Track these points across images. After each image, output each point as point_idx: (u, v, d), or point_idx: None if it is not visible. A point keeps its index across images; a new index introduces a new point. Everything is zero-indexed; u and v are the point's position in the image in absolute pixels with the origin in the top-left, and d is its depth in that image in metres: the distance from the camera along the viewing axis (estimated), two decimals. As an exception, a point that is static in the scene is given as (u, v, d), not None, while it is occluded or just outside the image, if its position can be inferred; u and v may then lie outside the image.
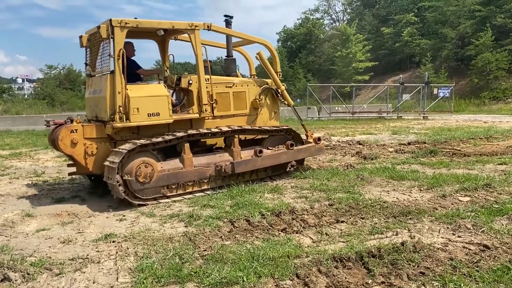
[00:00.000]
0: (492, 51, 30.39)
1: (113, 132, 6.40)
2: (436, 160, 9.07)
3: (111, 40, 6.24)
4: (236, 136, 7.17)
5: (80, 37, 6.80)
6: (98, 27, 6.27)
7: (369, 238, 4.52)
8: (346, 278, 3.57)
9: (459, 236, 4.47)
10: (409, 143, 11.73)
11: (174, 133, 6.60)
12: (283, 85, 8.19)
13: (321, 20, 56.07)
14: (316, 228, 4.92)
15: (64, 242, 4.77)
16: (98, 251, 4.45)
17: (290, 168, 8.01)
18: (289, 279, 3.60)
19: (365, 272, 3.70)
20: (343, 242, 4.45)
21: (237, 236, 4.75)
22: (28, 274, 3.82)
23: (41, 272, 3.90)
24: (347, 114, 23.55)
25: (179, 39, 8.06)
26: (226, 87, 7.54)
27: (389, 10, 46.04)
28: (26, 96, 44.36)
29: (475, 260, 3.80)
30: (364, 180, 7.23)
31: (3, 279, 3.72)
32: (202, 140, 7.25)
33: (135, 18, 6.48)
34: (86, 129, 6.42)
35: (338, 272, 3.65)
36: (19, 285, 3.68)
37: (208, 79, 7.14)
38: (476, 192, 6.23)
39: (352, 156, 10.08)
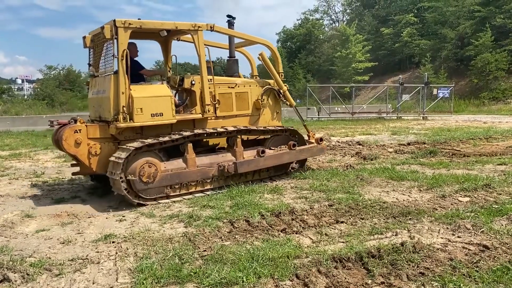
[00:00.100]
0: (492, 52, 30.41)
1: (116, 132, 6.43)
2: (435, 161, 9.08)
3: (115, 40, 6.27)
4: (239, 136, 7.20)
5: (84, 37, 6.84)
6: (102, 28, 6.29)
7: (369, 239, 4.52)
8: (345, 278, 3.57)
9: (458, 237, 4.47)
10: (408, 144, 11.73)
11: (181, 132, 6.66)
12: (285, 85, 8.23)
13: (321, 21, 56.20)
14: (315, 229, 4.92)
15: (63, 243, 4.77)
16: (97, 252, 4.45)
17: (291, 170, 8.03)
18: (289, 279, 3.60)
19: (364, 273, 3.70)
20: (343, 242, 4.45)
21: (236, 236, 4.75)
22: (27, 274, 3.81)
23: (40, 272, 3.90)
24: (346, 114, 23.56)
25: (181, 40, 8.09)
26: (229, 87, 7.58)
27: (389, 10, 46.06)
28: (25, 97, 44.37)
29: (474, 261, 3.80)
30: (364, 180, 7.23)
31: (3, 279, 3.72)
32: (204, 140, 7.28)
33: (138, 19, 6.52)
34: (89, 129, 6.45)
35: (338, 273, 3.65)
36: (18, 285, 3.68)
37: (211, 79, 7.16)
38: (476, 192, 6.23)
39: (351, 157, 10.08)
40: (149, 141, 6.32)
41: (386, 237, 4.54)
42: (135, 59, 7.06)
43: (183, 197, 6.60)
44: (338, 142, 12.68)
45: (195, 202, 6.28)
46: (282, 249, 4.18)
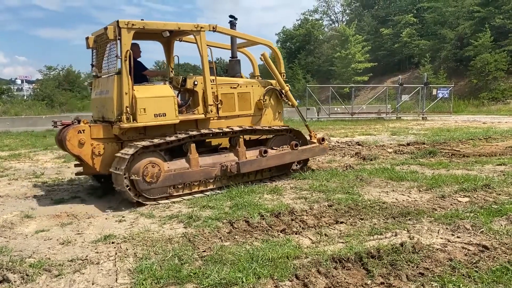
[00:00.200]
0: (491, 52, 30.45)
1: (120, 133, 6.46)
2: (435, 161, 9.08)
3: (118, 41, 6.29)
4: (241, 136, 7.24)
5: (87, 38, 6.88)
6: (105, 29, 6.31)
7: (368, 239, 4.52)
8: (345, 279, 3.57)
9: (458, 237, 4.47)
10: (408, 144, 11.73)
11: (187, 132, 6.70)
12: (287, 86, 8.26)
13: (320, 21, 56.15)
14: (315, 229, 4.93)
15: (63, 243, 4.77)
16: (97, 252, 4.45)
17: (293, 170, 8.07)
18: (289, 280, 3.60)
19: (364, 273, 3.70)
20: (342, 243, 4.46)
21: (236, 237, 4.75)
22: (27, 275, 3.81)
23: (40, 273, 3.90)
24: (346, 115, 23.57)
25: (184, 41, 8.12)
26: (231, 88, 7.61)
27: (388, 11, 46.10)
28: (25, 97, 44.29)
29: (474, 261, 3.80)
30: (363, 181, 7.23)
31: (2, 280, 3.72)
32: (207, 140, 7.31)
33: (141, 19, 6.55)
34: (93, 130, 6.48)
35: (337, 273, 3.66)
36: (18, 286, 3.68)
37: (213, 80, 7.20)
38: (475, 192, 6.24)
39: (351, 157, 10.08)
40: (157, 140, 6.37)
41: (385, 238, 4.55)
42: (138, 59, 7.07)
43: (186, 197, 6.62)
44: (338, 142, 12.68)
45: (194, 203, 6.28)
46: (282, 249, 4.18)
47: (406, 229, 4.77)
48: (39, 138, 16.29)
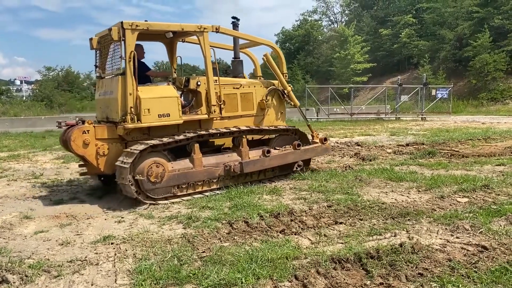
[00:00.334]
0: (490, 52, 30.49)
1: (124, 133, 6.49)
2: (434, 161, 9.09)
3: (123, 42, 6.32)
4: (245, 136, 7.29)
5: (90, 39, 6.95)
6: (110, 30, 6.35)
7: (368, 239, 4.52)
8: (344, 279, 3.57)
9: (457, 237, 4.48)
10: (407, 144, 11.74)
11: (196, 131, 6.79)
12: (289, 86, 8.30)
13: (320, 22, 56.17)
14: (314, 230, 4.93)
15: (62, 244, 4.76)
16: (96, 253, 4.44)
17: (297, 168, 8.13)
18: (288, 280, 3.60)
19: (363, 273, 3.70)
20: (342, 243, 4.46)
21: (235, 237, 4.75)
22: (26, 276, 3.81)
23: (39, 274, 3.89)
24: (345, 115, 23.58)
25: (186, 41, 8.15)
26: (234, 88, 7.66)
27: (387, 11, 46.12)
28: (24, 98, 44.28)
29: (473, 261, 3.80)
30: (363, 181, 7.24)
31: (1, 281, 3.72)
32: (210, 140, 7.36)
33: (145, 20, 6.59)
34: (97, 130, 6.52)
35: (337, 274, 3.66)
36: (17, 287, 3.68)
37: (216, 80, 7.23)
38: (474, 193, 6.24)
39: (350, 157, 10.09)
40: (166, 139, 6.44)
41: (385, 238, 4.55)
42: (141, 60, 7.09)
43: (185, 197, 6.65)
44: (337, 143, 12.69)
45: (194, 203, 6.28)
46: (281, 250, 4.19)
47: (405, 230, 4.77)
48: (38, 138, 16.28)
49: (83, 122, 6.56)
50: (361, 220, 5.20)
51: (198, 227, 5.12)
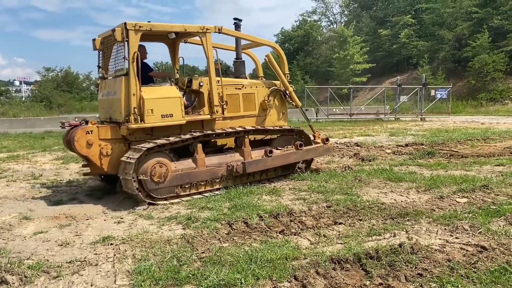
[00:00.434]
0: (489, 53, 30.50)
1: (128, 133, 6.52)
2: (433, 162, 9.09)
3: (126, 43, 6.35)
4: (247, 136, 7.34)
5: (93, 40, 7.00)
6: (113, 31, 6.38)
7: (367, 240, 4.52)
8: (344, 279, 3.57)
9: (456, 238, 4.48)
10: (406, 145, 11.75)
11: (202, 131, 6.88)
12: (291, 86, 8.34)
13: (319, 22, 56.18)
14: (314, 230, 4.93)
15: (61, 245, 4.76)
16: (96, 254, 4.44)
17: (299, 168, 8.17)
18: (287, 281, 3.60)
19: (363, 274, 3.70)
20: (341, 243, 4.46)
21: (235, 238, 4.75)
22: (25, 277, 3.81)
23: (38, 275, 3.89)
24: (344, 115, 23.57)
25: (188, 42, 8.18)
26: (236, 88, 7.69)
27: (387, 12, 46.14)
28: (23, 99, 44.26)
29: (472, 261, 3.81)
30: (362, 181, 7.24)
31: (1, 282, 3.71)
32: (212, 140, 7.40)
33: (148, 21, 6.62)
34: (101, 130, 6.55)
35: (336, 274, 3.66)
36: (16, 288, 3.67)
37: (218, 81, 7.26)
38: (474, 193, 6.25)
39: (350, 158, 10.09)
40: (173, 138, 6.50)
41: (384, 238, 4.55)
42: (144, 61, 7.11)
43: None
44: (336, 143, 12.69)
45: (193, 204, 6.28)
46: (281, 250, 4.19)
47: (404, 230, 4.78)
48: (38, 139, 16.27)
49: (87, 123, 6.60)
50: (361, 220, 5.20)
51: (198, 227, 5.12)
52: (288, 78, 8.41)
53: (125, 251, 4.47)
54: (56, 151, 12.71)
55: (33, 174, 9.23)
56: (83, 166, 7.35)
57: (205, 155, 6.87)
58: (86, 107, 37.51)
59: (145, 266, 3.95)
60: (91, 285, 3.71)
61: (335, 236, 4.71)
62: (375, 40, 44.04)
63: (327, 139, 8.28)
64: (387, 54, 42.71)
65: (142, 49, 7.05)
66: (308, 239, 4.67)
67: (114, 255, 4.38)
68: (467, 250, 4.10)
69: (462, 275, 3.56)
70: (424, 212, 5.40)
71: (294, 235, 4.80)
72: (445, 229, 4.76)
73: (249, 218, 5.31)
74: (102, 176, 7.63)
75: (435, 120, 22.21)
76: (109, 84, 7.08)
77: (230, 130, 7.17)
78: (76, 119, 7.23)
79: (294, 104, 8.46)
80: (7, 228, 5.44)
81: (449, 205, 5.73)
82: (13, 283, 3.71)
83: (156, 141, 6.42)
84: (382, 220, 5.16)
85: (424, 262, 3.82)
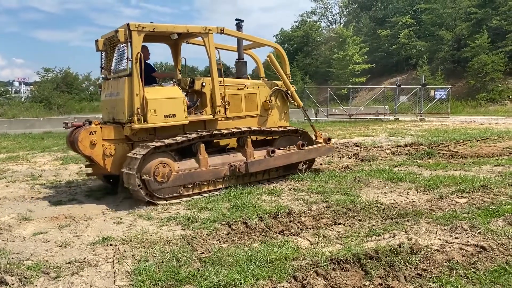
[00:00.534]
0: (488, 53, 30.56)
1: (131, 133, 6.53)
2: (433, 162, 9.10)
3: (129, 44, 6.36)
4: (249, 136, 7.38)
5: (96, 41, 7.01)
6: (116, 31, 6.41)
7: (367, 240, 4.52)
8: (343, 280, 3.57)
9: (456, 238, 4.48)
10: (406, 145, 11.75)
11: (209, 130, 6.94)
12: (292, 86, 8.35)
13: (318, 23, 56.22)
14: (313, 230, 4.93)
15: (61, 246, 4.76)
16: (95, 254, 4.44)
17: (302, 168, 8.20)
18: (287, 281, 3.60)
19: (362, 274, 3.70)
20: (341, 244, 4.46)
21: (234, 238, 4.75)
22: (25, 277, 3.80)
23: (38, 275, 3.89)
24: (344, 116, 23.59)
25: (190, 43, 8.19)
26: (238, 89, 7.72)
27: (386, 12, 46.21)
28: (23, 99, 44.22)
29: (472, 262, 3.81)
30: (361, 182, 7.25)
31: (0, 283, 3.71)
32: (215, 140, 7.43)
33: (151, 22, 6.64)
34: (104, 131, 6.57)
35: (336, 274, 3.66)
36: (16, 289, 3.67)
37: (221, 81, 7.28)
38: (473, 193, 6.25)
39: (349, 158, 10.10)
40: (179, 138, 6.53)
41: (383, 239, 4.55)
42: (147, 61, 7.12)
43: (184, 198, 6.67)
44: (336, 143, 12.69)
45: (192, 205, 6.28)
46: (280, 251, 4.19)
47: (404, 230, 4.78)
48: (37, 140, 16.27)
49: (90, 123, 6.62)
50: (360, 220, 5.20)
51: (197, 228, 5.12)
52: (290, 78, 8.44)
53: (125, 251, 4.47)
54: (56, 152, 12.71)
55: (33, 175, 9.22)
56: (87, 166, 7.37)
57: (208, 155, 6.89)
58: (86, 108, 37.47)
59: (144, 266, 3.95)
60: (91, 286, 3.70)
61: (334, 236, 4.71)
62: (375, 40, 44.09)
63: (329, 139, 8.29)
64: (387, 55, 42.77)
65: (144, 49, 7.07)
66: (307, 239, 4.67)
67: (114, 255, 4.38)
68: (466, 250, 4.10)
69: (461, 275, 3.56)
70: (423, 212, 5.40)
71: (294, 235, 4.80)
72: (445, 229, 4.76)
73: (249, 219, 5.30)
74: (111, 180, 7.60)
75: (435, 120, 22.23)
76: (112, 85, 7.09)
77: (236, 130, 7.20)
78: (76, 120, 7.24)
79: (296, 104, 8.48)
80: (7, 229, 5.43)
81: (449, 205, 5.73)
82: (13, 284, 3.71)
83: (164, 140, 6.45)
84: (382, 221, 5.17)
85: (423, 262, 3.82)
